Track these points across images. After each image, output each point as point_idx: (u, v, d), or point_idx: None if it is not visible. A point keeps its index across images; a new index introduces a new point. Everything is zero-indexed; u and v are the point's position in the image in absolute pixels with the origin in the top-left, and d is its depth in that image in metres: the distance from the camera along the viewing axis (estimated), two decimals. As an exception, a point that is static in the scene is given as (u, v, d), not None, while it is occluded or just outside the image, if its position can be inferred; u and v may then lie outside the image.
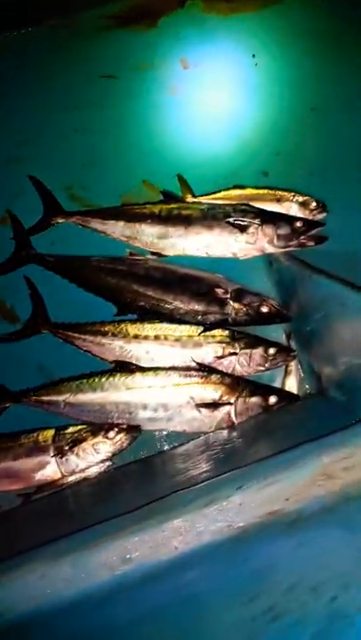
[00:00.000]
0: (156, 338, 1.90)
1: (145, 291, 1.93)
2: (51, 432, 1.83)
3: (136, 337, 1.91)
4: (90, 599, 1.05)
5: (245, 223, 1.93)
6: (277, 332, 2.03)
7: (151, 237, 2.00)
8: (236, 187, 2.08)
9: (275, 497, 1.12)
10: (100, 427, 1.82)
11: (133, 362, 1.89)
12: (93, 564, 1.09)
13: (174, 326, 1.91)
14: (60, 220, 2.04)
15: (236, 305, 1.91)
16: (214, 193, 2.08)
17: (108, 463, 1.82)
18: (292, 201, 2.03)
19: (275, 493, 1.12)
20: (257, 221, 1.94)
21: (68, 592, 1.06)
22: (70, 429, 1.83)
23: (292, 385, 1.96)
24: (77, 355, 1.95)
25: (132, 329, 1.92)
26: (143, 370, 1.86)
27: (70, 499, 1.65)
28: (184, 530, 1.11)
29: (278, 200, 2.04)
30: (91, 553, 1.11)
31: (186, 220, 1.97)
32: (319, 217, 2.02)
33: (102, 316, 1.97)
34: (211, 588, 0.92)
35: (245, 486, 1.14)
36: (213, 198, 2.07)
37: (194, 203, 2.05)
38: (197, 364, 1.87)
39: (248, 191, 2.06)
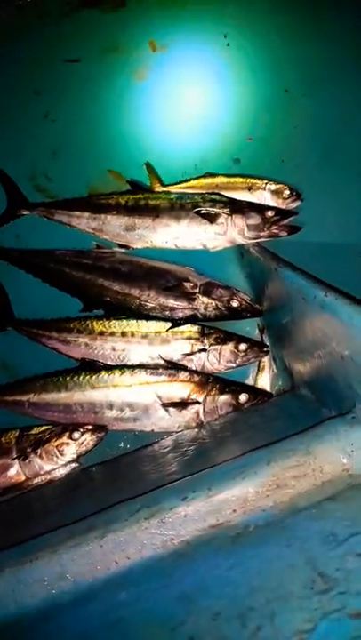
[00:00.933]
0: (123, 334, 1.84)
1: (111, 285, 1.86)
2: (14, 433, 1.78)
3: (102, 334, 1.84)
4: (24, 618, 1.00)
5: (214, 213, 1.85)
6: (252, 327, 1.97)
7: (118, 229, 1.92)
8: (206, 175, 1.99)
9: (221, 509, 1.06)
10: (64, 427, 1.77)
11: (100, 360, 1.83)
12: (30, 581, 1.04)
13: (142, 322, 1.84)
14: (25, 213, 1.96)
15: (205, 299, 1.83)
16: (184, 182, 1.99)
17: (74, 464, 1.78)
18: (264, 189, 1.94)
19: (221, 505, 1.06)
20: (226, 211, 1.85)
21: (2, 610, 1.02)
22: (34, 430, 1.78)
23: (264, 382, 1.90)
24: (43, 352, 1.89)
25: (98, 325, 1.85)
26: (109, 368, 1.80)
27: (33, 503, 1.60)
28: (125, 543, 1.06)
29: (250, 188, 1.94)
30: (29, 568, 1.06)
31: (153, 211, 1.89)
32: (293, 205, 1.93)
33: (68, 311, 1.91)
34: (140, 611, 0.87)
35: (190, 497, 1.08)
36: (183, 187, 1.98)
37: (162, 192, 1.96)
38: (165, 361, 1.80)
39: (219, 179, 1.97)
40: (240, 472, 1.10)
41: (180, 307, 1.84)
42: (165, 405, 1.74)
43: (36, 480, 1.76)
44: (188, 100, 2.09)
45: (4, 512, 1.62)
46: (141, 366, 1.80)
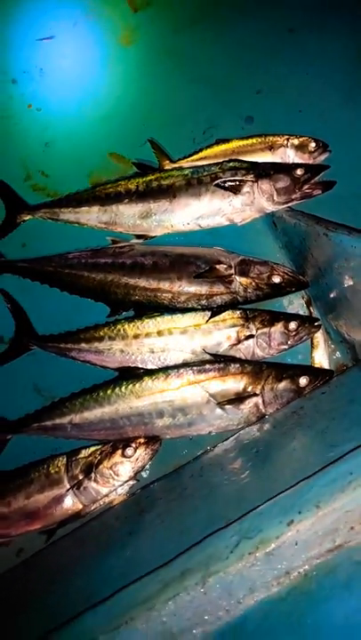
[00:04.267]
0: (160, 333, 1.66)
1: (137, 282, 1.67)
2: (62, 460, 1.63)
3: (137, 337, 1.66)
4: None
5: (238, 182, 1.65)
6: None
7: (133, 219, 1.72)
8: (218, 141, 1.78)
9: (336, 528, 0.90)
10: (114, 445, 1.61)
11: (139, 365, 1.66)
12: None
13: (177, 317, 1.66)
14: (27, 218, 1.77)
15: (243, 280, 1.65)
16: (195, 153, 1.78)
17: (132, 482, 1.63)
18: (286, 146, 1.73)
19: (335, 523, 0.90)
20: (250, 177, 1.65)
21: None
22: (82, 453, 1.63)
23: (321, 359, 1.72)
24: (75, 367, 1.71)
25: (131, 328, 1.67)
26: (152, 373, 1.62)
27: (98, 536, 1.45)
28: (232, 586, 0.90)
29: (271, 147, 1.73)
30: (126, 631, 0.91)
31: (169, 192, 1.69)
32: (321, 158, 1.72)
33: (93, 319, 1.72)
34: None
35: (297, 519, 0.91)
36: (195, 160, 1.77)
37: (173, 169, 1.75)
38: (211, 355, 1.63)
39: (234, 143, 1.76)
40: (347, 479, 0.93)
41: (218, 292, 1.65)
42: (221, 403, 1.57)
43: (94, 506, 1.61)
44: (184, 59, 1.86)
45: (66, 550, 1.47)
46: (186, 365, 1.63)
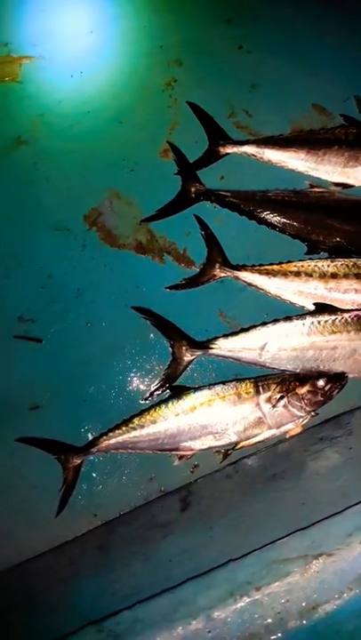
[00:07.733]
0: (358, 276, 1.71)
1: (341, 224, 1.73)
2: (249, 383, 1.66)
3: (334, 276, 1.71)
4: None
5: None
6: None
7: (338, 166, 1.78)
8: None
9: None
10: (304, 376, 1.65)
11: (332, 304, 1.71)
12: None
13: (375, 262, 1.72)
14: (230, 151, 1.82)
15: None
16: None
17: (311, 415, 1.67)
18: None
19: None
20: None
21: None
22: (272, 379, 1.66)
23: None
24: (261, 299, 1.75)
25: (330, 268, 1.72)
26: (349, 312, 1.67)
27: (301, 450, 1.48)
28: None
29: None
30: None
31: (379, 145, 1.76)
32: None
33: (287, 255, 1.77)
34: None
35: None
36: None
37: (379, 126, 1.82)
38: None
39: None
40: None
41: None
42: None
43: (276, 432, 1.65)
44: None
45: (251, 475, 1.49)
46: (381, 309, 1.68)
